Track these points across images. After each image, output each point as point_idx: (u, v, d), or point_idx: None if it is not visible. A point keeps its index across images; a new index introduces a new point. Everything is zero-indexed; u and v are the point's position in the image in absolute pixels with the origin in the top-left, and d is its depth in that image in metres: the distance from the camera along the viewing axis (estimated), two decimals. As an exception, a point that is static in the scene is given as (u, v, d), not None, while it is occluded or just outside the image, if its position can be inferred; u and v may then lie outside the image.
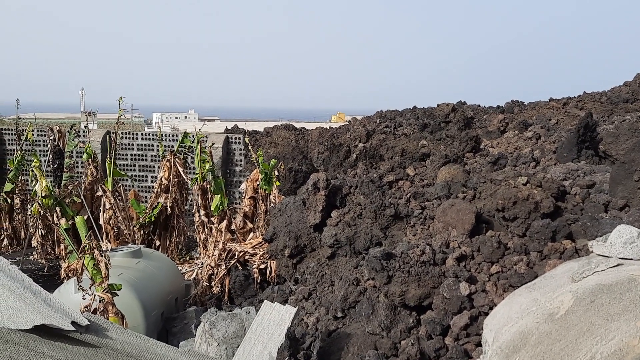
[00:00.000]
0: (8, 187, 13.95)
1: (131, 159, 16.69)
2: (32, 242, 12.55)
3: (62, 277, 10.30)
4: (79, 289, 6.44)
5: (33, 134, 15.93)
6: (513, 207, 6.85)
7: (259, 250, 10.09)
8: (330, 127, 24.36)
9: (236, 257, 10.19)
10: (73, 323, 3.00)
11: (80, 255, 6.46)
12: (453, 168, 10.45)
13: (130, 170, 16.55)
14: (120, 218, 12.00)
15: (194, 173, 12.80)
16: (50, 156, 15.32)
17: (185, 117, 73.69)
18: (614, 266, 3.70)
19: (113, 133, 13.39)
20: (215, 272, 10.22)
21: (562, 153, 10.90)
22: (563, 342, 3.24)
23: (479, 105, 24.90)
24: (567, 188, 7.81)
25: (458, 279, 5.97)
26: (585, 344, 3.14)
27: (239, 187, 15.38)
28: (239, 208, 11.86)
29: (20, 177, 14.20)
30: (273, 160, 11.89)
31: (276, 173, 11.59)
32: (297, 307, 6.56)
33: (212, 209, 11.19)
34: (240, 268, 10.07)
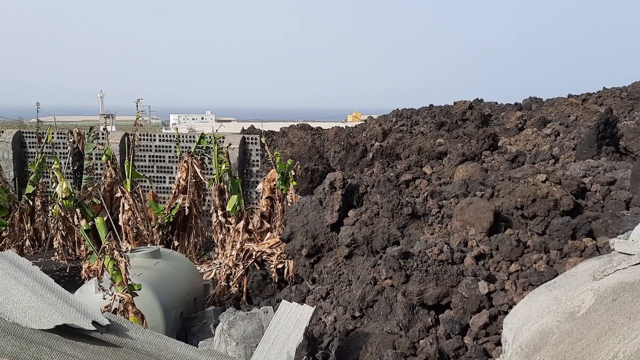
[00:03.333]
0: (29, 189, 14.18)
1: (149, 161, 16.85)
2: (53, 243, 12.74)
3: (82, 278, 10.44)
4: (99, 289, 6.52)
5: (53, 137, 16.16)
6: (532, 205, 6.78)
7: (277, 250, 10.12)
8: (346, 126, 24.34)
9: (254, 257, 10.23)
10: (94, 323, 3.04)
11: (100, 256, 6.53)
12: (471, 166, 10.38)
13: (149, 171, 16.71)
14: (139, 219, 12.12)
15: (211, 174, 12.88)
16: (70, 158, 15.53)
17: (202, 119, 74.22)
18: (637, 264, 3.64)
19: (131, 135, 13.53)
20: (233, 272, 10.27)
21: (582, 150, 10.76)
22: (584, 341, 3.19)
23: (496, 103, 24.67)
24: (587, 185, 7.71)
25: (477, 278, 5.92)
26: (607, 343, 3.09)
27: (256, 187, 15.44)
28: (256, 208, 11.91)
29: (41, 180, 14.42)
30: (289, 160, 11.91)
31: (293, 173, 11.61)
32: (314, 306, 6.56)
33: (230, 209, 11.25)
34: (257, 268, 10.11)
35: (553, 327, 3.42)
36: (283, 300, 6.68)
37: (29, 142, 17.37)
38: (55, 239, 12.68)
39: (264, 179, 11.84)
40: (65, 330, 2.97)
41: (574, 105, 17.91)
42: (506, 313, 5.42)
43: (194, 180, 12.60)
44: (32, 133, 17.20)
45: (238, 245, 10.54)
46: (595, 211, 6.98)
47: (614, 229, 6.31)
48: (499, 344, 5.29)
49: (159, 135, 17.07)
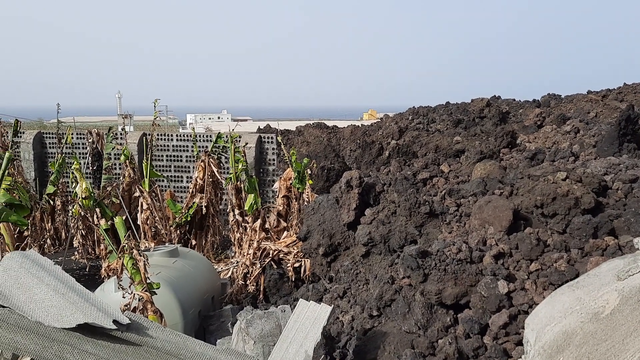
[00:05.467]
0: (50, 189, 14.38)
1: (167, 160, 16.98)
2: (74, 242, 12.90)
3: (102, 277, 10.56)
4: (119, 288, 6.58)
5: (73, 137, 16.39)
6: (552, 203, 6.68)
7: (293, 249, 10.13)
8: (362, 124, 24.27)
9: (271, 255, 10.26)
10: (115, 322, 3.06)
11: (119, 255, 6.60)
12: (489, 164, 10.27)
13: (166, 171, 16.85)
14: (157, 218, 12.22)
15: (228, 173, 12.94)
16: (90, 158, 15.73)
17: (219, 118, 74.72)
18: (662, 263, 3.57)
19: (149, 135, 13.65)
20: (250, 271, 10.31)
21: (603, 147, 10.58)
22: (609, 342, 3.13)
23: (514, 100, 24.37)
24: (609, 183, 7.57)
25: (496, 277, 5.85)
26: (632, 344, 3.04)
27: (272, 186, 15.47)
28: (273, 207, 11.93)
29: (61, 180, 14.62)
30: (305, 159, 11.91)
31: (309, 171, 11.61)
32: (332, 305, 6.55)
33: (246, 208, 11.30)
34: (274, 267, 10.13)
35: (577, 328, 3.36)
36: (300, 299, 6.68)
37: (49, 143, 17.62)
38: (75, 238, 12.85)
39: (280, 177, 11.86)
40: (87, 329, 2.99)
41: (593, 101, 17.64)
42: (526, 313, 5.36)
43: (211, 180, 12.67)
44: (52, 134, 17.44)
45: (255, 244, 10.57)
46: (617, 209, 6.86)
47: (636, 227, 6.20)
48: (519, 344, 5.23)
49: (176, 135, 17.19)
